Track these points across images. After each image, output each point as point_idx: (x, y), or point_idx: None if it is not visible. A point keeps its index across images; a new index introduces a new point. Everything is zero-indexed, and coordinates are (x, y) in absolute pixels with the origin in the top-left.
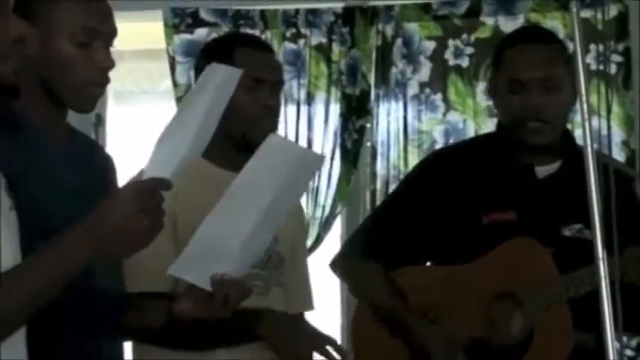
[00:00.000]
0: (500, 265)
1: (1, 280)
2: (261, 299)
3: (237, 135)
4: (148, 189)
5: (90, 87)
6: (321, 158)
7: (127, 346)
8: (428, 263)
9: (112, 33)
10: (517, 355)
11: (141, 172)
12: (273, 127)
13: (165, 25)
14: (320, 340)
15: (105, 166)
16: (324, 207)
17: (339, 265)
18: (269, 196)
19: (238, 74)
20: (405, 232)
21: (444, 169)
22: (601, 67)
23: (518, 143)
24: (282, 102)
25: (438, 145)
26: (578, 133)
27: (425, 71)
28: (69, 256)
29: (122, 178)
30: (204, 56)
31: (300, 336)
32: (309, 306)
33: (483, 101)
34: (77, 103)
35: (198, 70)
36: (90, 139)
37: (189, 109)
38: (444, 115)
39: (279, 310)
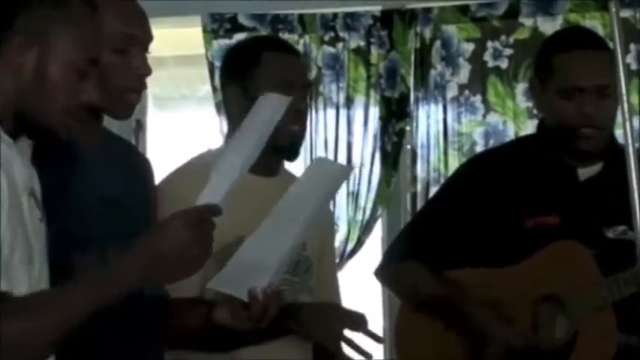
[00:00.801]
0: (544, 267)
1: (49, 298)
2: None
3: (267, 140)
4: (200, 216)
5: (127, 94)
6: (348, 170)
7: None
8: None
9: (148, 39)
10: (561, 357)
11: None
12: (303, 130)
13: (204, 31)
14: (349, 318)
15: (142, 169)
16: (364, 210)
17: (382, 272)
18: (310, 213)
19: (287, 102)
20: (446, 235)
21: (485, 172)
22: None
23: (563, 146)
24: (322, 106)
25: (479, 147)
26: (618, 133)
27: (464, 73)
28: (118, 280)
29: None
30: (230, 60)
31: (328, 319)
32: None
33: (523, 102)
34: (115, 109)
35: (225, 74)
36: (125, 142)
37: (241, 137)
38: (484, 116)
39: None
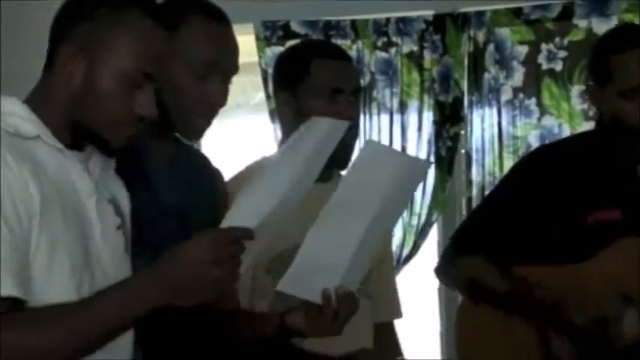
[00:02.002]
0: (612, 264)
1: (58, 314)
2: None
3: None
4: (227, 239)
5: (196, 119)
6: (427, 164)
7: None
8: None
9: (232, 69)
10: (633, 353)
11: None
12: (353, 136)
13: (257, 39)
14: None
15: (212, 180)
16: (419, 215)
17: (442, 269)
18: (375, 206)
19: (344, 127)
20: (505, 230)
21: (544, 167)
22: None
23: (624, 144)
24: (376, 111)
25: None
26: None
27: (518, 76)
28: (136, 298)
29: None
30: (280, 68)
31: None
32: (398, 314)
33: (578, 104)
34: (183, 131)
35: (276, 82)
36: (197, 152)
37: (285, 160)
38: (539, 119)
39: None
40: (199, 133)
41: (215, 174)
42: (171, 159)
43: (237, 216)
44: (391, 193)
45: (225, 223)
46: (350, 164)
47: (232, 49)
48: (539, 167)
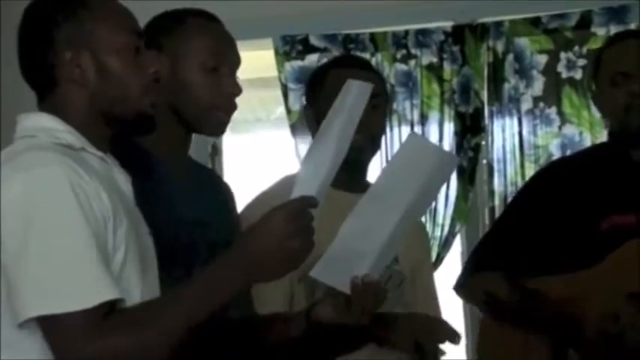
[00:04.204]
0: (623, 265)
1: (152, 311)
2: None
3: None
4: (299, 209)
5: (217, 112)
6: (454, 159)
7: None
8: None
9: (237, 61)
10: None
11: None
12: (367, 142)
13: (276, 53)
14: (434, 329)
15: (226, 196)
16: (442, 226)
17: (460, 286)
18: (409, 197)
19: (369, 89)
20: (523, 243)
21: (559, 177)
22: None
23: (629, 138)
24: (397, 123)
25: None
26: None
27: (538, 85)
28: (222, 284)
29: (239, 205)
30: (306, 83)
31: (411, 329)
32: None
33: (599, 112)
34: (205, 127)
35: (305, 97)
36: (210, 170)
37: (327, 128)
38: (560, 128)
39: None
40: (221, 127)
41: (228, 191)
42: (188, 178)
43: (302, 187)
44: (424, 185)
45: (294, 194)
46: (392, 156)
47: (232, 42)
48: (553, 181)
